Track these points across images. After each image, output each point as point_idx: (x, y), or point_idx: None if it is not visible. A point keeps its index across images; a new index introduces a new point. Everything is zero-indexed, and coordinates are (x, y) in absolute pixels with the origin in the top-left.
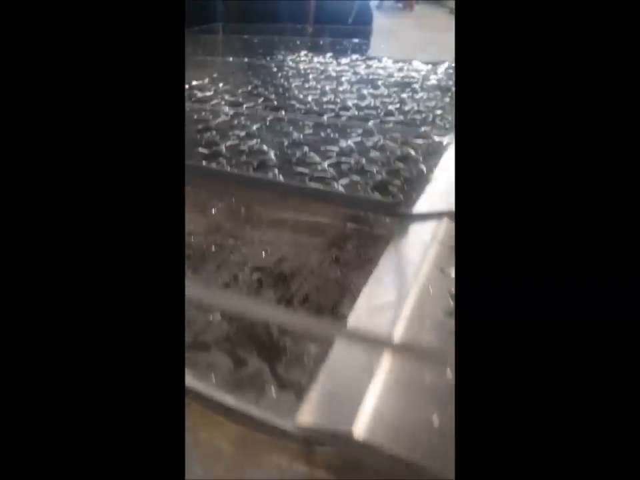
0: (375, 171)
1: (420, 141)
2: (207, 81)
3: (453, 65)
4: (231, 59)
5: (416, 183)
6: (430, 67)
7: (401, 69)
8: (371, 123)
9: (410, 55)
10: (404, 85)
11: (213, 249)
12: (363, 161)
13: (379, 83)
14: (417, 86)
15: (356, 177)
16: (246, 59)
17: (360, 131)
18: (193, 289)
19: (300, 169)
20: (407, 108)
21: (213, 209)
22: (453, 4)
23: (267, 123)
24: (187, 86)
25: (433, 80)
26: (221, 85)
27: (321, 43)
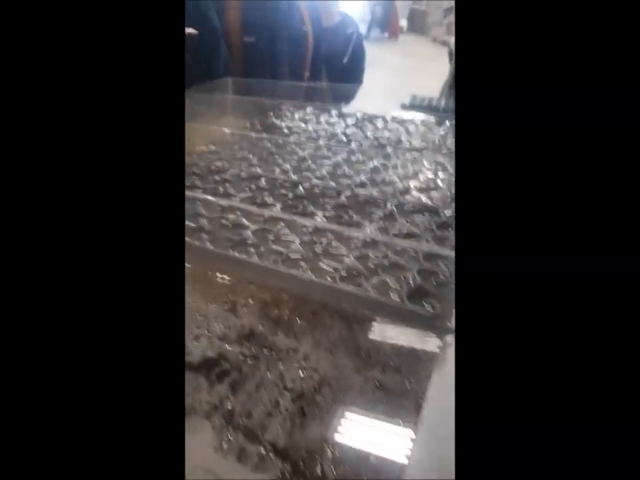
0: (404, 267)
1: (446, 232)
2: (224, 146)
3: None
4: (243, 120)
5: (450, 286)
6: (442, 132)
7: (408, 132)
8: (389, 205)
9: (401, 83)
10: (416, 152)
11: (249, 362)
12: (390, 253)
13: (389, 150)
14: (429, 153)
15: (386, 277)
16: (257, 121)
17: (381, 213)
18: (234, 419)
19: (327, 262)
20: (424, 185)
21: (244, 308)
22: (433, 33)
23: (289, 202)
24: (205, 149)
25: (444, 146)
26: (236, 147)
27: (322, 92)
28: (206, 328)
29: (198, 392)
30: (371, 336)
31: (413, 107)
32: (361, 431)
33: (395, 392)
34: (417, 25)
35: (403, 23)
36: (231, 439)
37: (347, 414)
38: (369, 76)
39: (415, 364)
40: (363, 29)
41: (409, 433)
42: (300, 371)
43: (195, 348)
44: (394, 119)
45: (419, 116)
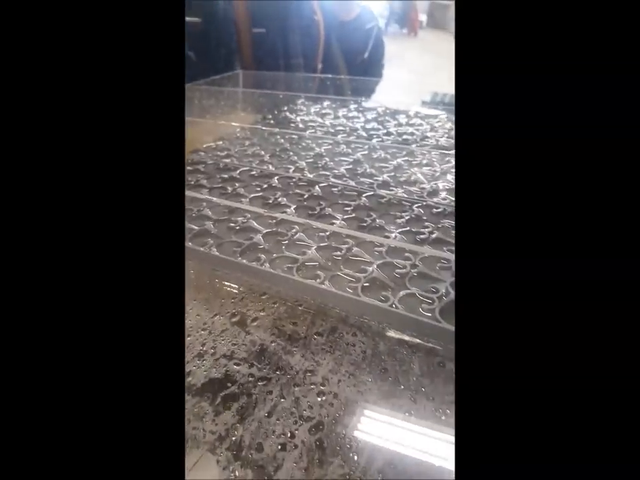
0: (435, 278)
1: None
2: (233, 142)
3: None
4: (254, 114)
5: None
6: None
7: (433, 128)
8: (416, 208)
9: (420, 80)
10: (442, 150)
11: (260, 384)
12: (418, 262)
13: (414, 147)
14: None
15: (415, 289)
16: (269, 115)
17: (406, 216)
18: (242, 453)
19: (347, 272)
20: (453, 185)
21: (255, 322)
22: (454, 29)
23: (304, 203)
24: (213, 145)
25: None
26: (247, 143)
27: (339, 86)
28: (211, 345)
29: (200, 420)
30: (399, 357)
31: (433, 103)
32: (389, 470)
33: (428, 424)
34: (437, 20)
35: (423, 18)
36: (238, 475)
37: (373, 449)
38: (387, 72)
39: (451, 392)
40: (381, 24)
41: (446, 473)
42: (318, 398)
43: (198, 367)
44: (417, 114)
45: (442, 113)
